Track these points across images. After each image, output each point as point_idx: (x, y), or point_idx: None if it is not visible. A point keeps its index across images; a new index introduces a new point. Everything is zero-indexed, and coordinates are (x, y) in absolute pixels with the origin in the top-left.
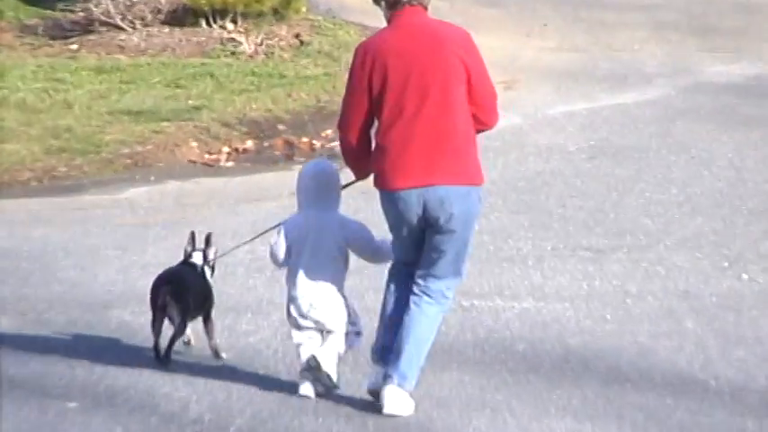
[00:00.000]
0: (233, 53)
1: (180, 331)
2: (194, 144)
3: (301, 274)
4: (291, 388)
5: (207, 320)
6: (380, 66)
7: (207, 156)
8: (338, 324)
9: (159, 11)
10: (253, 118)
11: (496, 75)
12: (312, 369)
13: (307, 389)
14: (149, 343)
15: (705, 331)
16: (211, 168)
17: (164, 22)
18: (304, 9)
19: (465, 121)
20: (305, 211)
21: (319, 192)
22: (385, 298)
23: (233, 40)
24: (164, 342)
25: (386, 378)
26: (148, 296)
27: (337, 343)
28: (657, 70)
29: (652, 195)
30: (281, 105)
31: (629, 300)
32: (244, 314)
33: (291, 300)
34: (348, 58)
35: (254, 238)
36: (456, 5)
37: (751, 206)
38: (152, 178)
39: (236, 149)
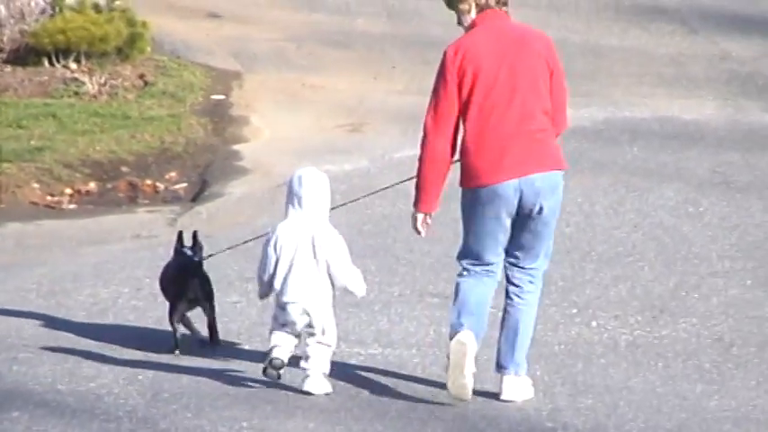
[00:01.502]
0: (76, 93)
1: (214, 315)
2: (36, 185)
3: (292, 281)
4: None
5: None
6: (472, 66)
7: (49, 197)
8: (329, 330)
9: (1, 50)
10: (96, 159)
11: (343, 118)
12: (273, 368)
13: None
14: None
15: (553, 379)
16: (53, 210)
17: (5, 62)
18: (149, 49)
19: (548, 116)
20: (295, 218)
21: (313, 198)
22: (464, 291)
23: (76, 79)
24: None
25: (501, 369)
26: (168, 287)
27: (327, 352)
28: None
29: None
30: (124, 147)
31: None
32: (85, 359)
33: (282, 306)
34: (193, 98)
35: (246, 242)
36: (303, 47)
37: (600, 252)
38: None
39: (79, 191)
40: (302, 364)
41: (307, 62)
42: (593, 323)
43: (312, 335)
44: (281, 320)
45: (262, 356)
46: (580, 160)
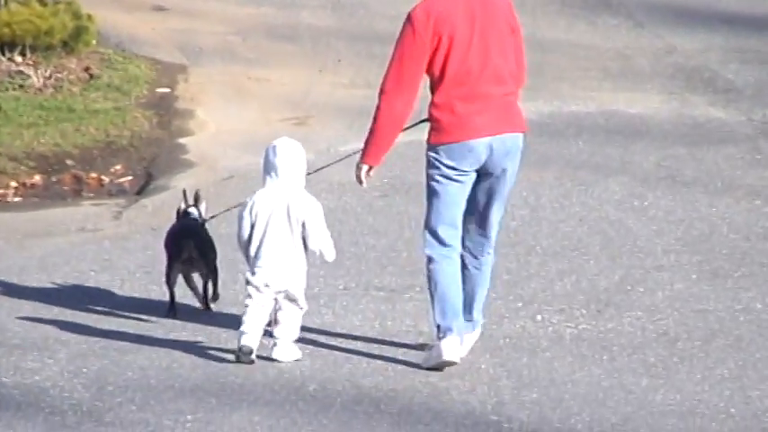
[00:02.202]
0: (21, 86)
1: (214, 280)
2: None
3: (267, 245)
4: (77, 427)
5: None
6: (447, 30)
7: None
8: (299, 291)
9: None
10: (41, 152)
11: (288, 111)
12: (244, 355)
13: (248, 339)
14: None
15: (498, 372)
16: None
17: None
18: (94, 42)
19: (513, 79)
20: (271, 185)
21: (288, 167)
22: (437, 281)
23: (21, 72)
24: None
25: (466, 326)
26: (167, 248)
27: (297, 316)
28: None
29: None
30: (69, 140)
31: (421, 339)
32: (30, 351)
33: (255, 269)
34: (138, 92)
35: (227, 210)
36: (249, 40)
37: (545, 246)
38: None
39: (24, 184)
40: (273, 330)
41: (253, 55)
42: (539, 317)
43: (283, 299)
44: (254, 284)
45: (206, 350)
46: (526, 154)
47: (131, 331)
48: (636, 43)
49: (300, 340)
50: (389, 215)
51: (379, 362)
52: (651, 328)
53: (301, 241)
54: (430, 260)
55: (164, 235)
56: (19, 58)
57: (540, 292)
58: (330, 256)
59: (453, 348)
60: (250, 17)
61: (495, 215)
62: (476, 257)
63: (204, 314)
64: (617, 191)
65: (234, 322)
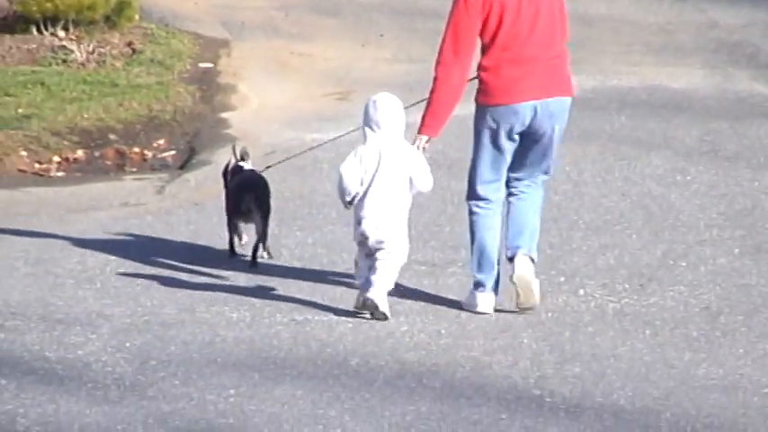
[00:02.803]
0: (64, 61)
1: (264, 236)
2: (24, 153)
3: (371, 198)
4: (119, 401)
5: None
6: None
7: (37, 165)
8: (399, 247)
9: None
10: (84, 127)
11: (330, 86)
12: (369, 308)
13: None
14: None
15: (541, 347)
16: (41, 178)
17: None
18: (137, 17)
19: (561, 43)
20: (373, 139)
21: (389, 120)
22: (474, 233)
23: (64, 47)
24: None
25: (515, 249)
26: (227, 199)
27: (393, 268)
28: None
29: None
30: (112, 115)
31: (463, 314)
32: (73, 326)
33: (358, 221)
34: (181, 66)
35: (286, 159)
36: (291, 15)
37: (588, 220)
38: None
39: (67, 159)
40: (370, 275)
41: (295, 30)
42: (581, 291)
43: (382, 249)
44: (356, 236)
45: (249, 324)
46: (568, 129)
47: (174, 306)
48: (678, 18)
49: (342, 315)
50: (432, 190)
51: (422, 336)
52: (693, 303)
53: (405, 192)
54: (470, 211)
55: (221, 197)
56: (62, 33)
57: (583, 266)
58: (427, 186)
59: (487, 303)
60: None
61: (542, 166)
62: (517, 194)
63: (248, 290)
64: (659, 165)
65: (275, 297)
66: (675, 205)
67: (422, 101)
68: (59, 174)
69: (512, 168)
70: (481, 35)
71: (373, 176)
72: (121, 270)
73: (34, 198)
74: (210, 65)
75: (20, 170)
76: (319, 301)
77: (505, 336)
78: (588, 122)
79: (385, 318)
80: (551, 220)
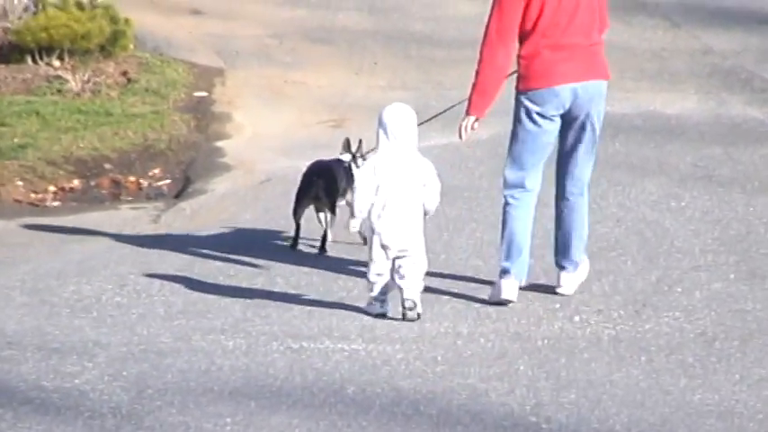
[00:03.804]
0: (59, 91)
1: (330, 223)
2: (20, 183)
3: (390, 207)
4: (116, 430)
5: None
6: None
7: (33, 195)
8: (421, 254)
9: None
10: (79, 157)
11: (325, 113)
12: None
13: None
14: None
15: (537, 374)
16: (37, 208)
17: None
18: (131, 46)
19: (599, 31)
20: (387, 148)
21: (403, 130)
22: (506, 222)
23: (59, 77)
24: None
25: (561, 268)
26: (299, 183)
27: (419, 269)
28: (488, 109)
29: (483, 236)
30: (107, 144)
31: (459, 341)
32: (69, 355)
33: (379, 231)
34: (176, 95)
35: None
36: (285, 43)
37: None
38: None
39: (63, 188)
40: (399, 282)
41: (289, 58)
42: (576, 318)
43: (406, 257)
44: (375, 246)
45: (245, 353)
46: None
47: (170, 335)
48: (672, 44)
49: (338, 341)
50: (428, 217)
51: (418, 364)
52: (689, 329)
53: (420, 201)
54: (506, 202)
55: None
56: (57, 63)
57: (578, 293)
58: (433, 204)
59: (511, 289)
60: (286, 20)
61: (584, 158)
62: (567, 198)
63: (243, 318)
64: (654, 191)
65: (271, 325)
66: (670, 231)
67: (430, 119)
68: (55, 203)
69: (559, 168)
70: (522, 23)
71: (389, 186)
72: (117, 299)
73: (30, 228)
74: (205, 93)
75: (16, 200)
76: (315, 328)
77: (501, 363)
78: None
79: (417, 317)
80: (546, 247)
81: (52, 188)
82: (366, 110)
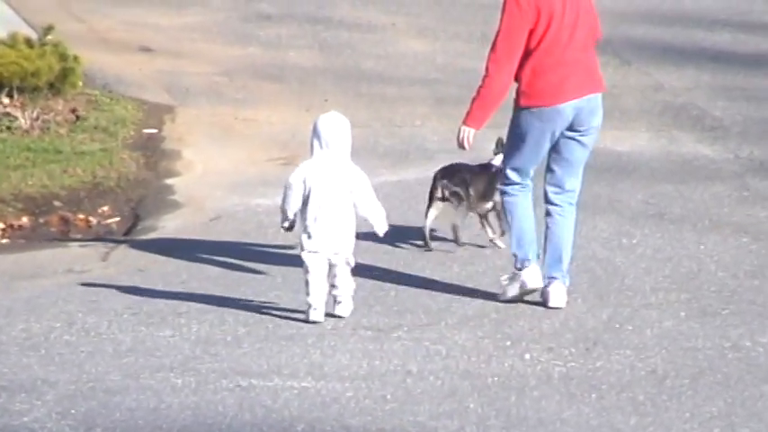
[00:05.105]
0: (8, 128)
1: (459, 222)
2: None
3: (322, 212)
4: None
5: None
6: (547, 9)
7: None
8: (350, 251)
9: None
10: (28, 194)
11: (276, 151)
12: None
13: (317, 315)
14: None
15: (487, 411)
16: None
17: None
18: (81, 83)
19: (594, 45)
20: (320, 156)
21: (337, 139)
22: (511, 212)
23: (8, 114)
24: None
25: (551, 279)
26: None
27: (348, 270)
28: (439, 146)
29: (433, 273)
30: (56, 181)
31: (409, 379)
32: (17, 393)
33: (311, 235)
34: (125, 133)
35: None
36: (235, 80)
37: None
38: None
39: (11, 226)
40: (332, 291)
41: (239, 96)
42: (527, 355)
43: (336, 261)
44: (310, 249)
45: (194, 390)
46: None
47: (119, 372)
48: (623, 81)
49: (288, 379)
50: (376, 254)
51: (368, 402)
52: (640, 367)
53: (351, 207)
54: (504, 193)
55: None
56: (6, 100)
57: (528, 330)
58: (381, 228)
59: (535, 276)
60: (237, 57)
61: (578, 169)
62: (559, 205)
63: (192, 356)
64: (605, 229)
65: (220, 363)
66: (621, 269)
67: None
68: (4, 241)
69: (549, 174)
70: (527, 40)
71: (321, 192)
72: (66, 337)
73: None
74: (155, 131)
75: None
76: (264, 366)
77: (451, 401)
78: (534, 186)
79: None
80: (496, 285)
81: (1, 225)
82: None
